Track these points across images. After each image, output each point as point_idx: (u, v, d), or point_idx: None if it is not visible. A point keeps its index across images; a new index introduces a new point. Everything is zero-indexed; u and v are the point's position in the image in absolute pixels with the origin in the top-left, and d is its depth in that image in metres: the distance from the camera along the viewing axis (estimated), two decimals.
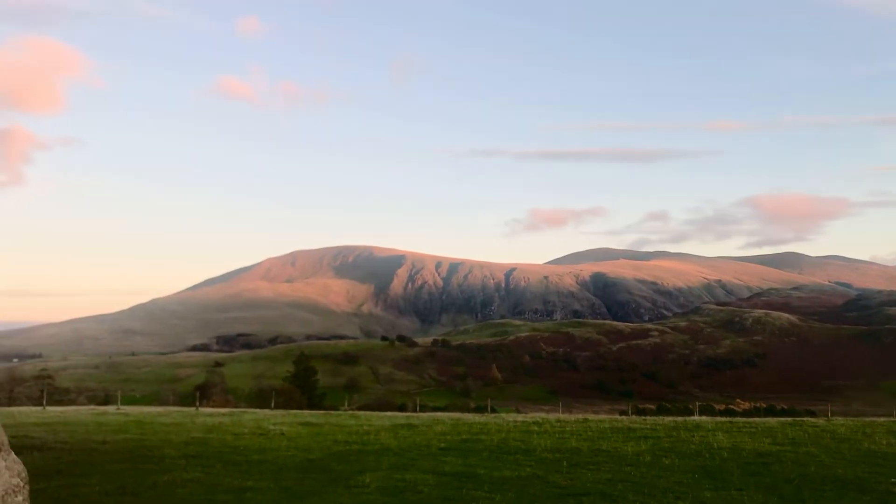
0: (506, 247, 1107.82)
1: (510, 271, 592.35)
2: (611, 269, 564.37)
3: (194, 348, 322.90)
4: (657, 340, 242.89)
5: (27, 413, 31.98)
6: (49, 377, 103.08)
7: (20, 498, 7.02)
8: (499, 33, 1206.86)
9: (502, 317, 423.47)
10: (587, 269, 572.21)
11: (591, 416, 34.28)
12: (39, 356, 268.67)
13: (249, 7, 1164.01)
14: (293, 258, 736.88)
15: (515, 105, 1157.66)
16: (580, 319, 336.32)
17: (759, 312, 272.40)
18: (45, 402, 47.98)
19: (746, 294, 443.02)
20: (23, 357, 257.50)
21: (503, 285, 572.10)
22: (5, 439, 7.16)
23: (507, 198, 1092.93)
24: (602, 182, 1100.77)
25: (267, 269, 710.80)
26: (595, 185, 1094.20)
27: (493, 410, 55.04)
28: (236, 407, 52.86)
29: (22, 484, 7.11)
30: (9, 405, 50.19)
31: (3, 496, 6.81)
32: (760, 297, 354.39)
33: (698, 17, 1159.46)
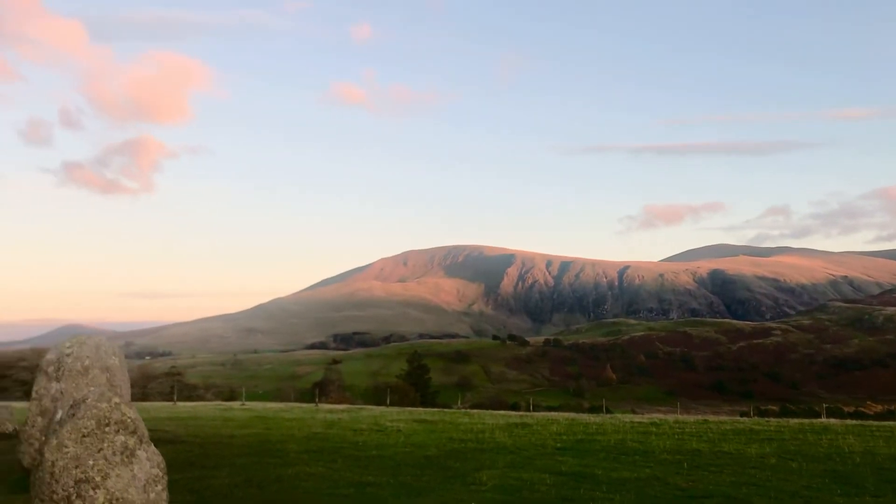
0: (619, 244, 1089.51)
1: (624, 269, 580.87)
2: (730, 265, 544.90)
3: (312, 346, 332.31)
4: (779, 339, 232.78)
5: (159, 408, 33.76)
6: (179, 374, 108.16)
7: (159, 487, 7.44)
8: (607, 26, 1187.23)
9: (615, 316, 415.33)
10: (705, 267, 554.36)
11: (710, 418, 33.21)
12: (169, 354, 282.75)
13: (362, 15, 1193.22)
14: (405, 258, 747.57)
15: (628, 99, 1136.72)
16: (698, 318, 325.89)
17: (891, 310, 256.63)
18: (175, 398, 50.50)
19: (876, 290, 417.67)
20: (154, 355, 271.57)
21: (616, 284, 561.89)
22: (145, 432, 7.59)
23: (620, 194, 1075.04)
24: (719, 176, 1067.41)
25: (380, 269, 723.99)
26: (712, 180, 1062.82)
27: (608, 411, 54.19)
28: (353, 403, 54.03)
29: (161, 474, 7.52)
30: (142, 400, 53.11)
31: (144, 485, 7.23)
32: (892, 294, 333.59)
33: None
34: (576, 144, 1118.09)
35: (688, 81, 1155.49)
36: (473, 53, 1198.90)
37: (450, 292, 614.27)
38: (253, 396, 68.54)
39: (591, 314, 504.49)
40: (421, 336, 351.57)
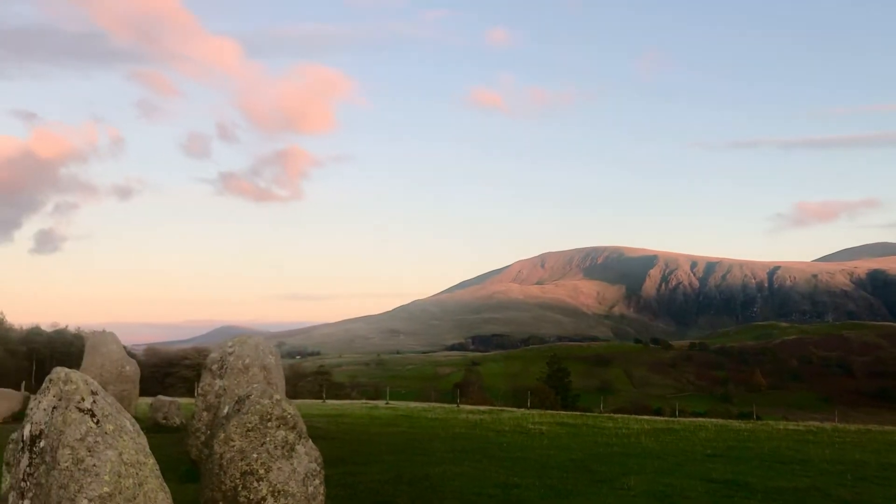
0: (768, 244, 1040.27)
1: (774, 270, 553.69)
2: (891, 265, 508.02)
3: (452, 347, 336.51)
4: None
5: (310, 405, 35.13)
6: (327, 373, 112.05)
7: (317, 482, 7.76)
8: (749, 19, 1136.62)
9: (765, 318, 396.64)
10: (863, 266, 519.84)
11: (874, 427, 31.13)
12: (317, 353, 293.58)
13: (497, 20, 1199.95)
14: (542, 260, 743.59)
15: (777, 91, 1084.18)
16: (856, 321, 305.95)
17: None
18: (324, 396, 52.42)
19: None
20: (303, 354, 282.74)
21: (766, 285, 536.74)
22: (304, 428, 7.95)
23: (769, 191, 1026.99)
24: (877, 170, 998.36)
25: (517, 272, 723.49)
26: (870, 175, 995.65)
27: (758, 418, 51.82)
28: (492, 405, 54.20)
29: (318, 469, 7.84)
30: (293, 398, 55.44)
31: (304, 479, 7.56)
32: None
33: None
34: (721, 140, 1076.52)
35: (840, 69, 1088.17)
36: (611, 53, 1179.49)
37: (589, 294, 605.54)
38: (396, 396, 70.10)
39: (739, 317, 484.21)
40: (560, 339, 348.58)
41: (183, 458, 13.15)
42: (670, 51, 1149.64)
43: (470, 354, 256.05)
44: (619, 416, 37.40)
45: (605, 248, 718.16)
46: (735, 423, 31.92)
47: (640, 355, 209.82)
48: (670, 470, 14.16)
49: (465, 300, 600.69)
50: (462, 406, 41.45)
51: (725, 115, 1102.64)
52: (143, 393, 26.64)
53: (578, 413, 38.33)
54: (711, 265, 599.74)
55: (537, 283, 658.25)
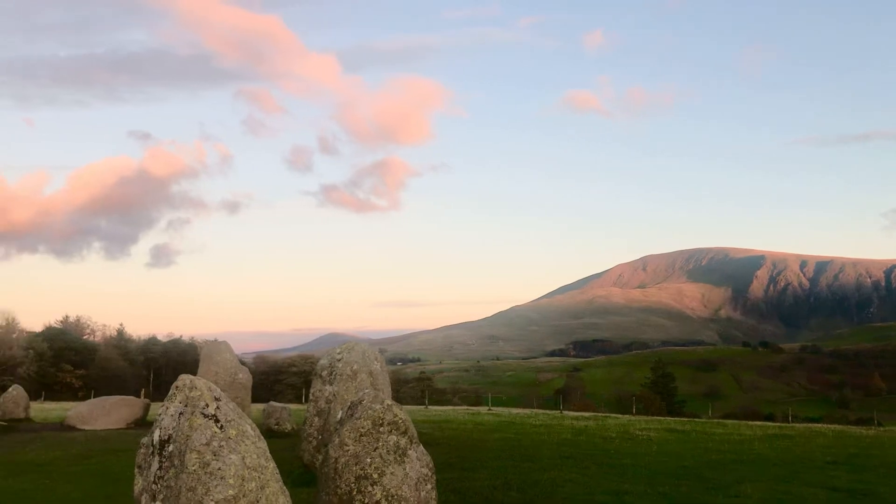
0: (885, 241, 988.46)
1: (891, 268, 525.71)
2: None
3: (552, 353, 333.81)
4: None
5: (413, 411, 35.46)
6: (428, 379, 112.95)
7: (429, 486, 7.80)
8: (855, 10, 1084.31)
9: (883, 319, 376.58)
10: None
11: None
12: (417, 360, 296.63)
13: (594, 22, 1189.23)
14: (644, 263, 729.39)
15: (887, 82, 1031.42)
16: None
17: None
18: (426, 402, 52.89)
19: None
20: (404, 361, 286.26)
21: (883, 284, 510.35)
22: (415, 433, 8.01)
23: (884, 186, 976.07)
24: None
25: (618, 275, 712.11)
26: None
27: (880, 424, 49.15)
28: (596, 411, 53.44)
29: (430, 474, 7.89)
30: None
31: (416, 483, 7.62)
32: None
33: None
34: (830, 135, 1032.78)
35: None
36: (711, 49, 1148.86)
37: (693, 297, 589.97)
38: (497, 402, 70.12)
39: (854, 318, 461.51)
40: (664, 343, 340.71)
41: (296, 463, 13.48)
42: (774, 43, 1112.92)
43: (571, 360, 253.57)
44: (730, 421, 36.22)
45: (709, 250, 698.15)
46: (854, 430, 30.41)
47: (749, 359, 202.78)
48: (788, 478, 13.60)
49: (565, 305, 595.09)
50: (566, 413, 41.02)
51: (833, 109, 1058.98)
52: (254, 400, 27.49)
53: (686, 419, 37.32)
54: (822, 264, 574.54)
55: (639, 287, 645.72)
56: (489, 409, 41.47)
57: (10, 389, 28.22)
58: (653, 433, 22.61)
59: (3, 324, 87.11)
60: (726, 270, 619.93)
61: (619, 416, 38.42)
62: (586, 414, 39.37)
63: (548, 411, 43.51)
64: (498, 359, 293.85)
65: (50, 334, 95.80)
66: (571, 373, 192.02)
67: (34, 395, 44.95)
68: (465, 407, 52.61)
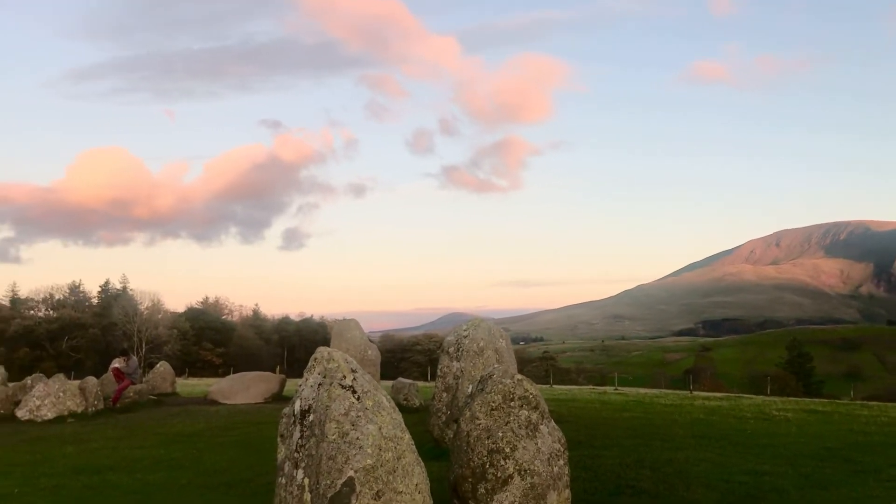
0: None
1: None
2: None
3: (680, 333, 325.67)
4: None
5: (545, 390, 35.39)
6: (552, 359, 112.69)
7: (562, 462, 7.75)
8: None
9: None
10: None
11: None
12: (541, 340, 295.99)
13: None
14: (777, 238, 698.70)
15: None
16: None
17: None
18: (551, 381, 52.72)
19: None
20: (527, 340, 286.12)
21: None
22: (546, 408, 7.97)
23: None
24: None
25: (749, 252, 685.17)
26: None
27: None
28: (726, 391, 51.71)
29: (562, 449, 7.83)
30: None
31: (548, 458, 7.58)
32: None
33: None
34: None
35: None
36: (851, 12, 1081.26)
37: (831, 274, 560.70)
38: (623, 382, 69.03)
39: None
40: (799, 322, 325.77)
41: (425, 437, 13.71)
42: None
43: (700, 340, 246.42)
44: (874, 403, 34.21)
45: (848, 223, 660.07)
46: None
47: (895, 338, 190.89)
48: None
49: (693, 283, 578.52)
50: (695, 393, 39.90)
51: None
52: (382, 377, 28.15)
53: (826, 400, 35.50)
54: None
55: (772, 264, 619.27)
56: (615, 389, 40.85)
57: (158, 365, 30.05)
58: (790, 414, 21.63)
59: (150, 305, 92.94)
60: (867, 245, 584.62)
61: (753, 396, 37.00)
62: (718, 394, 38.14)
63: (677, 391, 42.44)
64: (623, 338, 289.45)
65: (192, 315, 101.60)
66: (700, 353, 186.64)
67: (179, 372, 47.66)
68: (591, 386, 52.08)
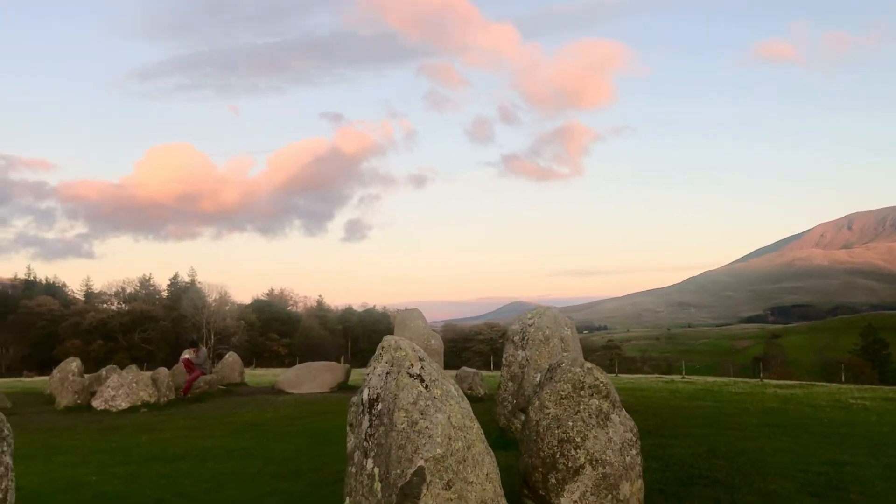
0: None
1: None
2: None
3: (748, 320, 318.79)
4: None
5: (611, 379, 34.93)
6: (616, 347, 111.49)
7: (634, 451, 7.57)
8: None
9: None
10: None
11: None
12: (604, 328, 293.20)
13: None
14: (849, 221, 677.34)
15: None
16: None
17: None
18: (616, 370, 52.12)
19: None
20: (590, 329, 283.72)
21: None
22: (617, 397, 7.79)
23: None
24: None
25: (819, 236, 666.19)
26: None
27: None
28: (798, 379, 50.35)
29: (634, 439, 7.65)
30: None
31: (620, 448, 7.41)
32: None
33: None
34: None
35: None
36: None
37: None
38: (691, 370, 67.83)
39: None
40: (873, 307, 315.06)
41: (492, 427, 13.61)
42: None
43: (769, 327, 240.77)
44: None
45: None
46: None
47: None
48: None
49: (761, 269, 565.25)
50: (766, 381, 38.92)
51: None
52: (445, 366, 28.13)
53: None
54: None
55: (844, 248, 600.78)
56: (683, 377, 40.12)
57: (227, 356, 30.64)
58: (868, 402, 20.88)
59: (217, 297, 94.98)
60: None
61: (826, 384, 35.91)
62: (790, 382, 37.12)
63: (746, 380, 41.46)
64: (689, 326, 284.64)
65: (258, 306, 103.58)
66: (770, 340, 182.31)
67: (247, 362, 48.62)
68: (657, 375, 51.31)
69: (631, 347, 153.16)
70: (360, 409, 6.25)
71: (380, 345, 6.41)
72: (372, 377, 6.22)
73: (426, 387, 5.87)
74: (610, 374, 44.29)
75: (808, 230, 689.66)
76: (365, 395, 6.23)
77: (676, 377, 41.05)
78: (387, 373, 6.06)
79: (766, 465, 10.50)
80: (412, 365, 6.00)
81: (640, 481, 7.65)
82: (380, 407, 5.95)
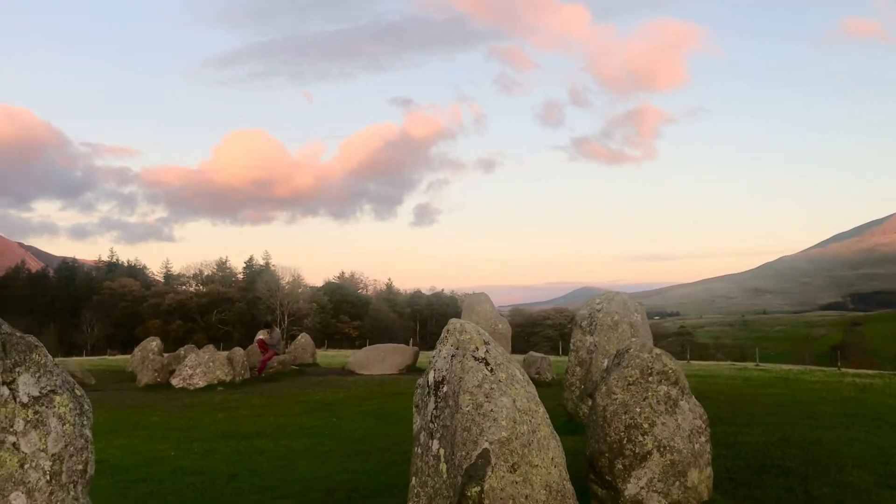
0: None
1: None
2: None
3: (826, 307, 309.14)
4: None
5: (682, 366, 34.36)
6: (689, 334, 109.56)
7: (703, 439, 7.47)
8: None
9: None
10: None
11: None
12: (676, 314, 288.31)
13: None
14: None
15: None
16: None
17: None
18: (688, 357, 51.20)
19: None
20: (661, 315, 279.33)
21: None
22: (686, 383, 7.69)
23: None
24: None
25: None
26: None
27: None
28: (879, 369, 48.60)
29: (704, 426, 7.55)
30: None
31: (689, 435, 7.32)
32: None
33: None
34: None
35: None
36: None
37: None
38: (765, 358, 66.17)
39: None
40: None
41: (559, 412, 13.59)
42: None
43: (849, 314, 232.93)
44: None
45: None
46: None
47: None
48: None
49: (840, 255, 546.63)
50: (844, 370, 37.73)
51: None
52: (512, 351, 28.14)
53: None
54: None
55: None
56: (757, 365, 39.21)
57: (299, 337, 31.30)
58: None
59: (291, 280, 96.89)
60: None
61: None
62: (869, 371, 35.89)
63: (823, 368, 40.26)
64: (765, 312, 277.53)
65: (329, 289, 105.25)
66: (849, 327, 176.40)
67: (318, 343, 49.46)
68: (730, 362, 50.22)
69: (703, 334, 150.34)
70: (426, 391, 6.33)
71: (445, 328, 6.46)
72: (437, 359, 6.29)
73: (491, 370, 5.91)
74: (681, 361, 43.66)
75: (891, 215, 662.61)
76: (430, 377, 6.30)
77: (750, 364, 40.16)
78: (452, 355, 6.11)
79: (843, 455, 10.21)
80: (477, 348, 6.04)
81: (710, 469, 7.55)
82: (445, 389, 6.02)
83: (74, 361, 31.87)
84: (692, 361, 45.23)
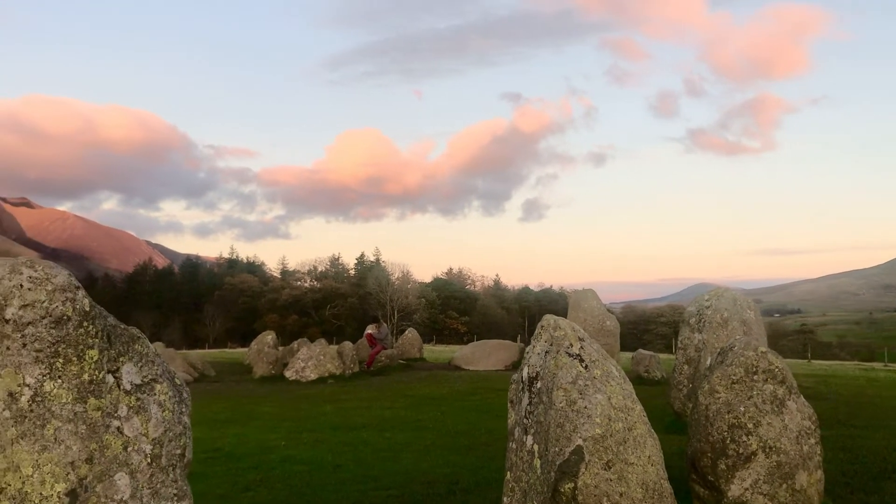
0: None
1: None
2: None
3: None
4: None
5: (793, 364, 33.02)
6: (810, 332, 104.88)
7: (812, 441, 7.17)
8: None
9: None
10: None
11: None
12: (798, 311, 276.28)
13: None
14: None
15: None
16: None
17: None
18: (809, 356, 49.03)
19: None
20: (783, 312, 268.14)
21: None
22: (794, 383, 7.39)
23: None
24: None
25: None
26: None
27: None
28: None
29: (813, 427, 7.24)
30: None
31: (797, 436, 7.04)
32: None
33: None
34: None
35: None
36: None
37: None
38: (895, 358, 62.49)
39: None
40: None
41: (666, 410, 13.32)
42: None
43: None
44: None
45: None
46: None
47: None
48: None
49: None
50: None
51: None
52: (623, 348, 27.70)
53: None
54: None
55: None
56: (885, 365, 37.15)
57: (407, 332, 31.78)
58: None
59: (400, 276, 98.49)
60: None
61: None
62: None
63: None
64: (895, 310, 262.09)
65: (438, 284, 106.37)
66: None
67: (426, 339, 50.13)
68: (855, 362, 47.77)
69: (827, 332, 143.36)
70: (521, 387, 6.34)
71: (539, 324, 6.45)
72: (531, 355, 6.29)
73: (585, 367, 5.86)
74: (802, 360, 41.90)
75: None
76: (525, 373, 6.31)
77: (878, 365, 38.13)
78: (546, 352, 6.10)
79: None
80: (571, 345, 6.00)
81: (820, 472, 7.22)
82: (539, 385, 6.01)
83: (197, 354, 33.49)
84: (813, 361, 43.29)
